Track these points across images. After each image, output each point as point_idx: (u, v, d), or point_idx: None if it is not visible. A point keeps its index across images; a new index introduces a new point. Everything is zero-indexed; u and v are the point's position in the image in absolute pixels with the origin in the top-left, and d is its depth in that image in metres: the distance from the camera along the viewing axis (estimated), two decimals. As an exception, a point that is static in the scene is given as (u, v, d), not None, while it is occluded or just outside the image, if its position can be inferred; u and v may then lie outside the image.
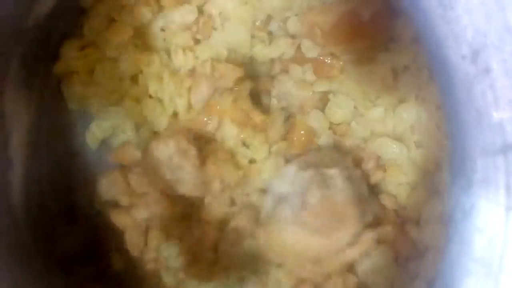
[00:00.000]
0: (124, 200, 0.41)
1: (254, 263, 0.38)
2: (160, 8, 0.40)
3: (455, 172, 0.23)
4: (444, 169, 0.33)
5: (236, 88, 0.37)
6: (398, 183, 0.37)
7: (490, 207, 0.21)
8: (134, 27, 0.39)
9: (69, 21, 0.41)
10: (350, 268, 0.35)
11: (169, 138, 0.37)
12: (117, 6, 0.39)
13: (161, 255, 0.40)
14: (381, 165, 0.37)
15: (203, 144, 0.38)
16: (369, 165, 0.36)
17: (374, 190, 0.38)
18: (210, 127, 0.37)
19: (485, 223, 0.22)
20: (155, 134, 0.39)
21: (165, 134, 0.39)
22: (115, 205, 0.41)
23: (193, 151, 0.37)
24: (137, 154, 0.39)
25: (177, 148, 0.37)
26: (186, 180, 0.37)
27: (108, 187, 0.41)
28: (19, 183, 0.38)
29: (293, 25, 0.37)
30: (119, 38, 0.39)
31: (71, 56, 0.40)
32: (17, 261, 0.36)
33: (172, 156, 0.37)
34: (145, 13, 0.39)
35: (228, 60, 0.38)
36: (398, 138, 0.36)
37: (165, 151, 0.38)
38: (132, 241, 0.41)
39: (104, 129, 0.41)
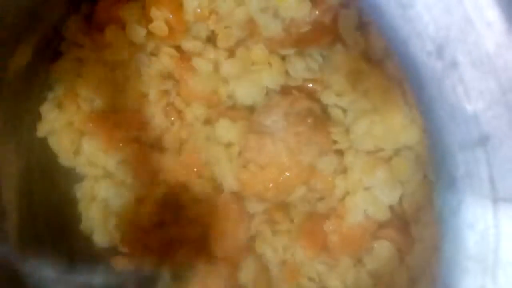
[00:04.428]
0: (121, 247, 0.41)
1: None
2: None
3: (437, 169, 0.22)
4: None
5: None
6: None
7: (477, 201, 0.21)
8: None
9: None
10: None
11: None
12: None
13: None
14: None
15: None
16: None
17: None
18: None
19: (474, 218, 0.21)
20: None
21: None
22: (114, 250, 0.41)
23: None
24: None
25: None
26: None
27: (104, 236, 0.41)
28: (15, 232, 0.38)
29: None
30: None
31: (51, 117, 0.40)
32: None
33: None
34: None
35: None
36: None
37: None
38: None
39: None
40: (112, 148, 0.39)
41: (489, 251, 0.21)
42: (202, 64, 0.38)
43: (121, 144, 0.39)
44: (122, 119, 0.39)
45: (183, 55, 0.38)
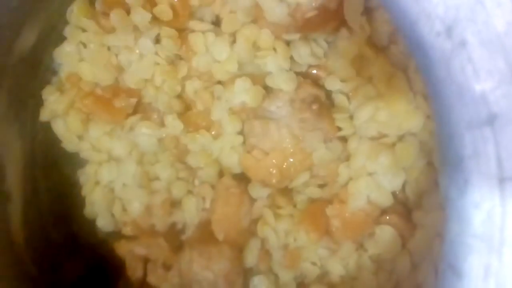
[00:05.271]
0: (127, 230, 0.41)
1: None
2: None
3: (444, 150, 0.23)
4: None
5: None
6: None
7: (484, 180, 0.21)
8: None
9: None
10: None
11: None
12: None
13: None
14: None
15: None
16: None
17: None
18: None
19: (480, 197, 0.21)
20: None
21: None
22: (118, 234, 0.41)
23: None
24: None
25: None
26: None
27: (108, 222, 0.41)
28: (19, 216, 0.38)
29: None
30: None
31: (53, 100, 0.40)
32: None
33: None
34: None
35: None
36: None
37: None
38: (132, 270, 0.41)
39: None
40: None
41: (495, 230, 0.21)
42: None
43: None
44: (121, 91, 0.39)
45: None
